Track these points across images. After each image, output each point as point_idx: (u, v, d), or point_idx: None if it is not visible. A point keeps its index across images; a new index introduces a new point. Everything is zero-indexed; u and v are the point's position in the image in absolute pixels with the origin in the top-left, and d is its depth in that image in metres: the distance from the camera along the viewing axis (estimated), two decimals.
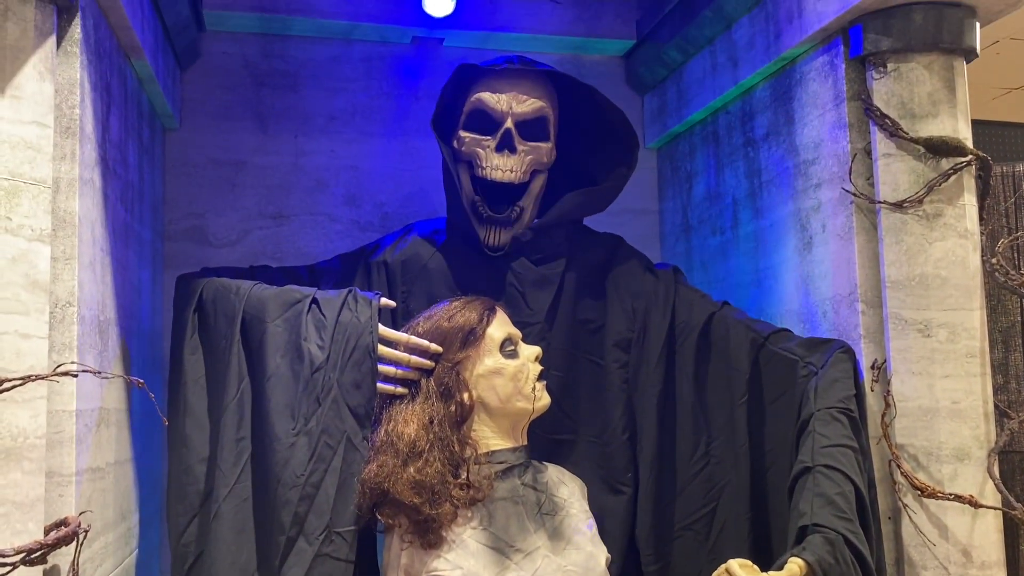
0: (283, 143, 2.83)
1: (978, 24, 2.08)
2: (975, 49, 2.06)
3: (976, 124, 2.13)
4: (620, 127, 2.24)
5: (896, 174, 2.03)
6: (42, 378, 1.42)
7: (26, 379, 1.41)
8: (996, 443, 1.97)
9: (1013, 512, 1.93)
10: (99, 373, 1.59)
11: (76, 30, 1.69)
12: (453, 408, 1.90)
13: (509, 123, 2.13)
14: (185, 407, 1.96)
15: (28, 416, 1.52)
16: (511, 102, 2.13)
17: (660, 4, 2.83)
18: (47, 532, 1.52)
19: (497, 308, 2.04)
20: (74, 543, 1.55)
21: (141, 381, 1.66)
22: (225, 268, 2.22)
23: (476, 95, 2.15)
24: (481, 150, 2.15)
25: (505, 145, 2.13)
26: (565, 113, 2.29)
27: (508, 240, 2.18)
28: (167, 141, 2.74)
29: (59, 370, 1.43)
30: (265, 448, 1.86)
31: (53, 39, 1.63)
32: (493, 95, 2.14)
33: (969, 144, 2.02)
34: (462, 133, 2.18)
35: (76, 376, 1.53)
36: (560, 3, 2.92)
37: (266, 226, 2.80)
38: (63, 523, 1.55)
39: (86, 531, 1.57)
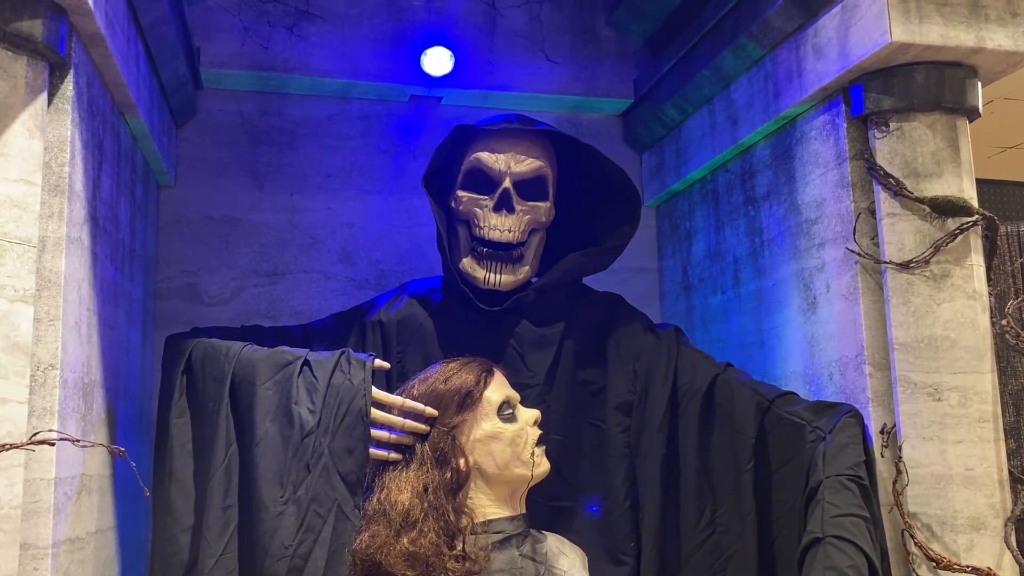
0: (279, 201, 2.81)
1: (980, 84, 2.08)
2: (977, 108, 2.05)
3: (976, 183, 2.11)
4: (621, 185, 2.21)
5: (901, 234, 1.99)
6: (17, 447, 1.35)
7: (0, 448, 1.34)
8: (1013, 512, 1.90)
9: None
10: (78, 441, 1.52)
11: (68, 87, 1.67)
12: (449, 475, 1.82)
13: (507, 183, 2.10)
14: (171, 473, 1.88)
15: (3, 485, 1.45)
16: (509, 162, 2.10)
17: (658, 63, 2.84)
18: None
19: (495, 370, 1.98)
20: None
21: (122, 450, 1.59)
22: (216, 328, 2.16)
23: (474, 154, 2.13)
24: (479, 210, 2.11)
25: (503, 205, 2.10)
26: (565, 172, 2.27)
27: (508, 282, 2.11)
28: (162, 198, 2.71)
29: (36, 438, 1.37)
30: (252, 517, 1.78)
31: (44, 96, 1.61)
32: (491, 154, 2.11)
33: (975, 203, 2.00)
34: (460, 192, 2.15)
35: (54, 444, 1.46)
36: (558, 62, 2.93)
37: (260, 284, 2.76)
38: None
39: None
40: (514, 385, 2.01)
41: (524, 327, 2.14)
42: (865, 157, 2.06)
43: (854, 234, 2.06)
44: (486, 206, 2.11)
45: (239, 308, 2.72)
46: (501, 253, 2.10)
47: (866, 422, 1.96)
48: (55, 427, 1.54)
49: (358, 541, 1.74)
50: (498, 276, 2.10)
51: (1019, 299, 2.09)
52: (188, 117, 2.74)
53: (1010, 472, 1.96)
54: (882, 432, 1.98)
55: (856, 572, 1.68)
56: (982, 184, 2.12)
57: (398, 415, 1.87)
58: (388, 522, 1.74)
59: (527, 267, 2.14)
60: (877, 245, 2.05)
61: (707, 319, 2.74)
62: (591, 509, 2.09)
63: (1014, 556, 1.86)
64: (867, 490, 1.82)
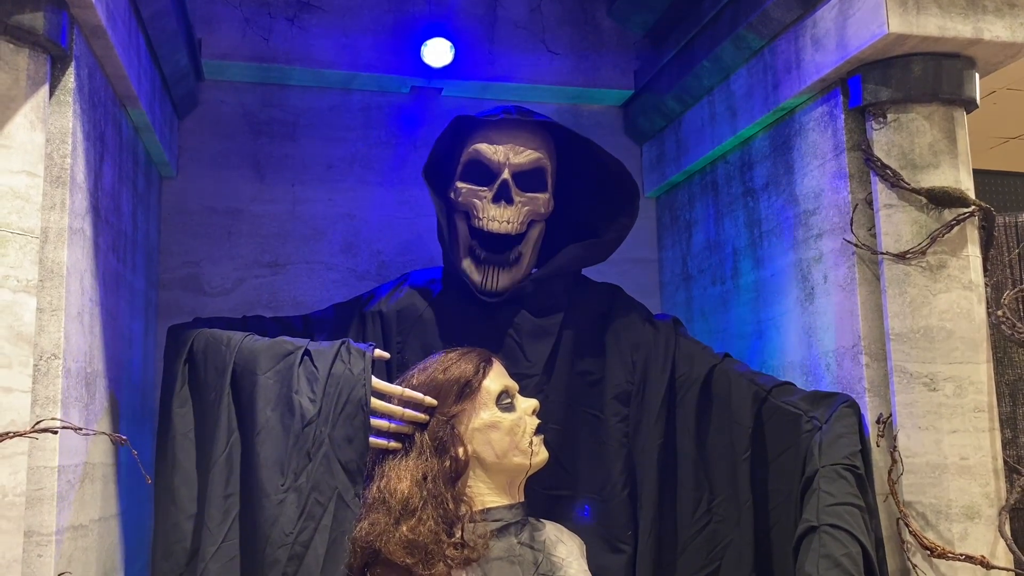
0: (280, 192, 2.82)
1: (977, 75, 2.08)
2: (975, 99, 2.05)
3: (975, 174, 2.11)
4: (619, 177, 2.22)
5: (898, 225, 2.00)
6: (20, 435, 1.37)
7: (3, 436, 1.36)
8: (1007, 501, 1.92)
9: None
10: (80, 429, 1.54)
11: (70, 79, 1.68)
12: (448, 464, 1.84)
13: (506, 174, 2.11)
14: (173, 462, 1.90)
15: (7, 473, 1.47)
16: (508, 153, 2.11)
17: (658, 55, 2.84)
18: None
19: (494, 359, 2.00)
20: None
21: (124, 438, 1.61)
22: (218, 318, 2.18)
23: (473, 146, 2.14)
24: (478, 201, 2.12)
25: (502, 196, 2.11)
26: (564, 163, 2.28)
27: (506, 285, 2.14)
28: (164, 189, 2.72)
29: (39, 426, 1.39)
30: (253, 505, 1.80)
31: (45, 88, 1.62)
32: (490, 146, 2.12)
33: (971, 194, 2.00)
34: (459, 184, 2.16)
35: (56, 433, 1.48)
36: (558, 53, 2.93)
37: (262, 275, 2.77)
38: None
39: None
40: (513, 375, 2.03)
41: (523, 317, 2.16)
42: (863, 148, 2.07)
43: (851, 225, 2.07)
44: (485, 197, 2.12)
45: (241, 299, 2.74)
46: (498, 256, 2.11)
47: (862, 412, 1.98)
48: (58, 416, 1.56)
49: (358, 529, 1.76)
50: (495, 280, 2.12)
51: (1016, 289, 2.10)
52: (190, 108, 2.75)
53: (1005, 461, 1.97)
54: (878, 421, 1.99)
55: (850, 560, 1.69)
56: (984, 175, 2.14)
57: (398, 404, 1.89)
58: (388, 510, 1.76)
59: (524, 266, 2.16)
60: (874, 236, 2.06)
61: (706, 310, 2.76)
62: (589, 498, 2.11)
63: (1008, 545, 1.87)
64: (863, 479, 1.83)
